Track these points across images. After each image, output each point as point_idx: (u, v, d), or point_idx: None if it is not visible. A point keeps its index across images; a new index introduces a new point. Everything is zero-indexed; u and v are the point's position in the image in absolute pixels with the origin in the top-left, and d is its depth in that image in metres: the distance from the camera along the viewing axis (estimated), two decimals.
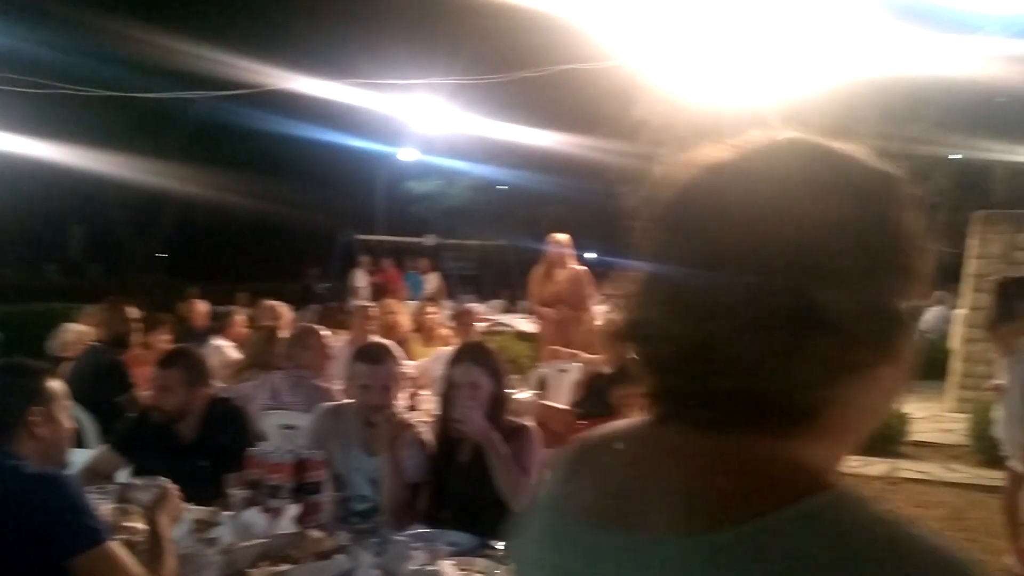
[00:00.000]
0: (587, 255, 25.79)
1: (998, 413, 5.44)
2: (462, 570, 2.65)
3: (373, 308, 7.44)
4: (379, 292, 15.71)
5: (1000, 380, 5.50)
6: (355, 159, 23.19)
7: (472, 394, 3.26)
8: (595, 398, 5.88)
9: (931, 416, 9.30)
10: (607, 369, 6.12)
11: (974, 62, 9.41)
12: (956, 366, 9.89)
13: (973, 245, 10.12)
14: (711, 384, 0.77)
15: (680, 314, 0.78)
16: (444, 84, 10.84)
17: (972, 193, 13.55)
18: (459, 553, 2.78)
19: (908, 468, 7.33)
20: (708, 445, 0.79)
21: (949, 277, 15.59)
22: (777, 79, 9.71)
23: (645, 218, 0.86)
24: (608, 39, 8.78)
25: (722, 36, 8.19)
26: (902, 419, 8.09)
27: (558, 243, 7.70)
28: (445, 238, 23.72)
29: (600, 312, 7.52)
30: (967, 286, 10.09)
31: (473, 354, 3.44)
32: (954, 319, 10.71)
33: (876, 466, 7.29)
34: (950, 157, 14.87)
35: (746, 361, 0.76)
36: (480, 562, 2.70)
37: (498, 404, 3.34)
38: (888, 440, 7.85)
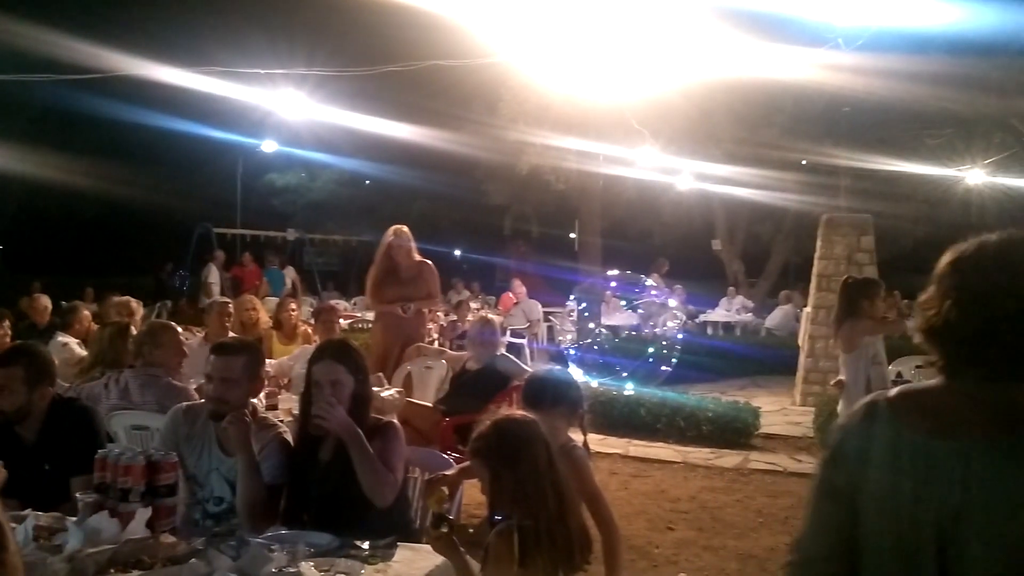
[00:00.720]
0: (455, 251, 25.89)
1: (840, 408, 5.76)
2: (323, 571, 2.59)
3: (230, 304, 7.21)
4: (237, 287, 15.28)
5: (842, 376, 5.83)
6: (214, 149, 22.42)
7: (334, 392, 3.19)
8: (461, 395, 5.89)
9: (780, 410, 9.76)
10: (473, 366, 6.15)
11: (823, 72, 9.92)
12: (803, 362, 10.41)
13: (819, 247, 10.67)
14: (995, 355, 1.46)
15: (981, 314, 1.48)
16: (309, 75, 10.60)
17: (819, 198, 14.26)
18: (320, 554, 2.71)
19: (758, 460, 7.66)
20: (992, 387, 1.47)
21: (798, 277, 16.41)
22: (639, 80, 9.99)
23: (958, 267, 1.55)
24: (477, 37, 8.81)
25: (588, 38, 8.35)
26: (754, 413, 8.45)
27: (400, 236, 7.20)
28: (308, 232, 23.26)
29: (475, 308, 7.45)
30: (813, 286, 10.63)
31: (335, 351, 3.38)
32: (801, 317, 11.26)
33: (729, 458, 7.60)
34: (800, 163, 15.62)
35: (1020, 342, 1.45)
36: (342, 562, 2.65)
37: (361, 402, 3.29)
38: (740, 433, 8.19)
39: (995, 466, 1.42)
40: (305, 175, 25.16)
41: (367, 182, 25.90)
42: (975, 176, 15.31)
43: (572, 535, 2.55)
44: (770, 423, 8.74)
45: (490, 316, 7.00)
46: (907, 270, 17.69)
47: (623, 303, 12.14)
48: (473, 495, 3.46)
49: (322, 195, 25.31)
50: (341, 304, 14.64)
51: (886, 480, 1.53)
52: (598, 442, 8.02)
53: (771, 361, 12.21)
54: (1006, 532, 1.40)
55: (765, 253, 20.61)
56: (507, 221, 23.76)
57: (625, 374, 10.00)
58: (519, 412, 2.81)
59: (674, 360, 10.44)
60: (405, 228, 7.32)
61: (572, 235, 22.92)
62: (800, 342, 10.74)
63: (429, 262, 7.32)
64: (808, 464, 7.55)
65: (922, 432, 1.51)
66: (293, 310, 7.89)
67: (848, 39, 9.86)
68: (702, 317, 17.54)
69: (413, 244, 7.26)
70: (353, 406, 3.23)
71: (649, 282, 11.84)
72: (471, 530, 2.95)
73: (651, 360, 10.43)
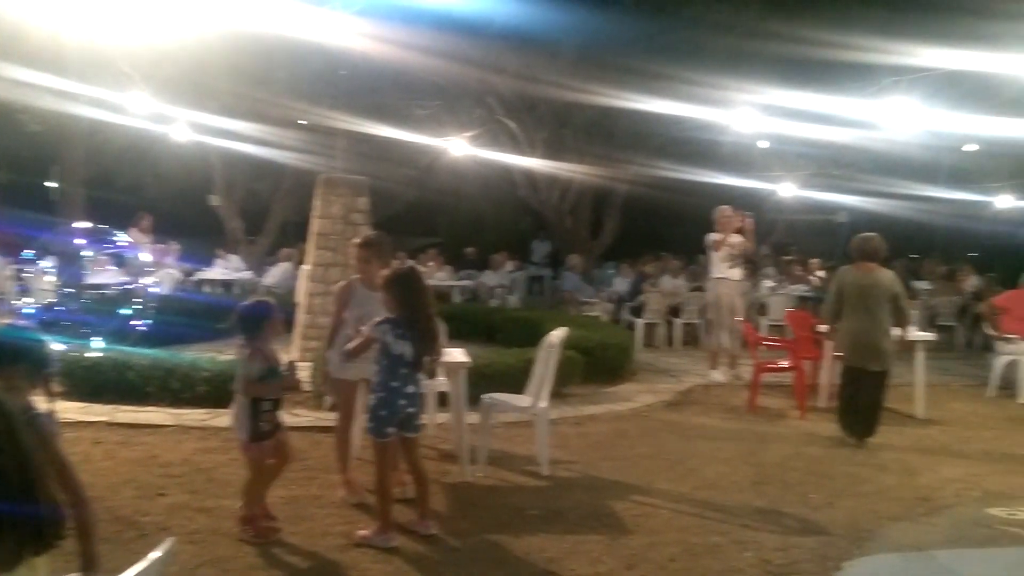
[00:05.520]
0: None
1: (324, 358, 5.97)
2: None
3: None
4: None
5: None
6: None
7: None
8: None
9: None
10: None
11: (321, 32, 10.06)
12: (301, 318, 10.57)
13: (317, 207, 10.87)
14: None
15: None
16: None
17: (318, 159, 14.50)
18: None
19: None
20: None
21: (297, 236, 16.61)
22: (128, 20, 9.25)
23: None
24: None
25: None
26: None
27: None
28: None
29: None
30: (312, 244, 10.82)
31: None
32: (300, 275, 11.41)
33: (224, 417, 7.32)
34: (299, 122, 15.74)
35: None
36: None
37: None
38: None
39: None
40: None
41: None
42: (457, 146, 16.83)
43: (39, 512, 2.28)
44: None
45: None
46: (399, 232, 18.97)
47: (94, 257, 11.18)
48: None
49: None
50: None
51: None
52: (80, 410, 7.38)
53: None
54: None
55: (265, 211, 20.53)
56: None
57: (95, 335, 9.30)
58: None
59: (150, 318, 10.00)
60: None
61: (50, 184, 20.61)
62: (299, 299, 10.89)
63: None
64: (305, 417, 7.69)
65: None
66: None
67: (346, 3, 10.14)
68: (199, 275, 16.96)
69: None
70: None
71: (122, 237, 11.01)
72: None
73: (127, 318, 9.84)
